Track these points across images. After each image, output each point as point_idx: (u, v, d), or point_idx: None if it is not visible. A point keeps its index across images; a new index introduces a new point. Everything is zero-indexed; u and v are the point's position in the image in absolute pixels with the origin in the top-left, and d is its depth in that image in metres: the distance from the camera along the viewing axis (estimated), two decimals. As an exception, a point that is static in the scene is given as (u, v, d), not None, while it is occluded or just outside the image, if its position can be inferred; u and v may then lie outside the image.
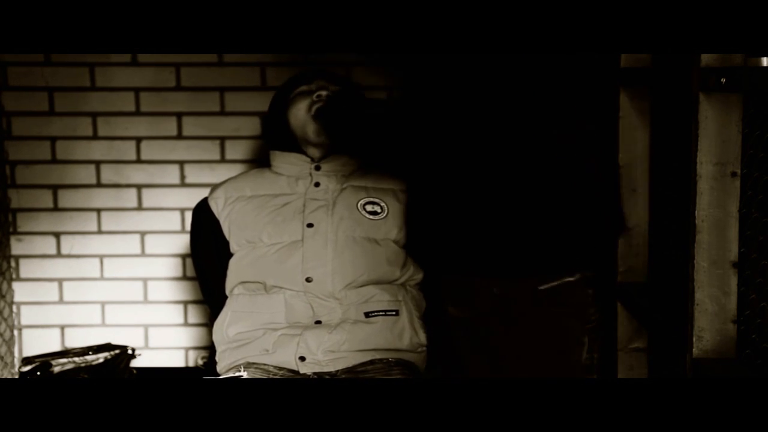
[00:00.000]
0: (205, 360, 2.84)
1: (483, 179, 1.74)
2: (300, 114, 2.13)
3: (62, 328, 2.87)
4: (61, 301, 2.87)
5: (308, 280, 2.05)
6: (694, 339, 1.61)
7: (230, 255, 2.15)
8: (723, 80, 1.50)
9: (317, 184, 2.13)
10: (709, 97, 1.55)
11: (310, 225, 2.07)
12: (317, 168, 2.14)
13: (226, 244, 2.15)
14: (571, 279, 1.79)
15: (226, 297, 2.16)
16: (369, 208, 2.12)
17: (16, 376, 2.78)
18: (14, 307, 2.86)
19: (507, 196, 1.72)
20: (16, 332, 2.87)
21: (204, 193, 2.26)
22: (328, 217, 2.08)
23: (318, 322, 2.05)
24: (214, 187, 2.23)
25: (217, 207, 2.16)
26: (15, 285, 2.85)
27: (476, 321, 1.84)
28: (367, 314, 2.06)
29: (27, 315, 2.87)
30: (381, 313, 2.06)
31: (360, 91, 2.29)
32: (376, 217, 2.11)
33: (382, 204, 2.13)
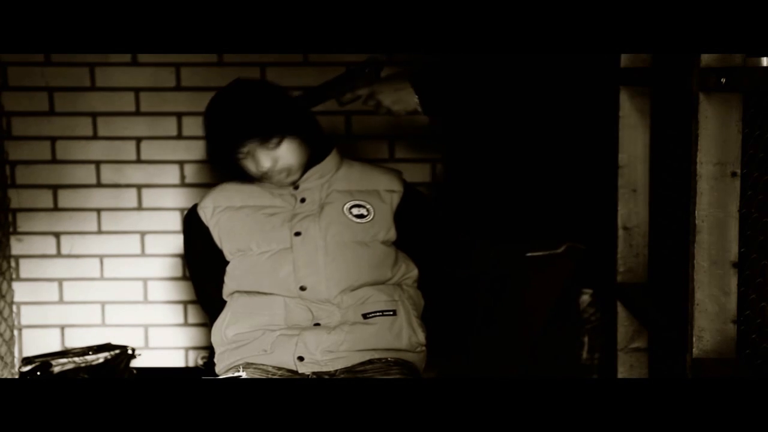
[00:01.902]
0: (205, 360, 2.84)
1: (493, 159, 2.04)
2: (253, 172, 2.10)
3: (62, 328, 2.87)
4: (61, 301, 2.87)
5: (302, 288, 2.04)
6: (694, 339, 1.61)
7: (225, 261, 2.14)
8: (723, 80, 1.50)
9: (303, 200, 2.12)
10: (709, 97, 1.55)
11: (297, 233, 2.07)
12: (296, 187, 2.13)
13: (220, 251, 2.15)
14: (557, 251, 2.05)
15: (223, 302, 2.15)
16: (355, 211, 2.11)
17: (16, 376, 2.78)
18: (14, 307, 2.86)
19: (513, 173, 2.02)
20: (16, 332, 2.87)
21: (204, 193, 2.25)
22: (316, 224, 2.07)
23: (317, 324, 2.04)
24: (204, 195, 2.22)
25: (205, 216, 2.16)
26: (15, 285, 2.85)
27: (472, 280, 2.12)
28: (365, 315, 2.05)
29: (27, 315, 2.87)
30: (378, 314, 2.06)
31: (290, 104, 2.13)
32: (363, 220, 2.11)
33: (368, 206, 2.13)
